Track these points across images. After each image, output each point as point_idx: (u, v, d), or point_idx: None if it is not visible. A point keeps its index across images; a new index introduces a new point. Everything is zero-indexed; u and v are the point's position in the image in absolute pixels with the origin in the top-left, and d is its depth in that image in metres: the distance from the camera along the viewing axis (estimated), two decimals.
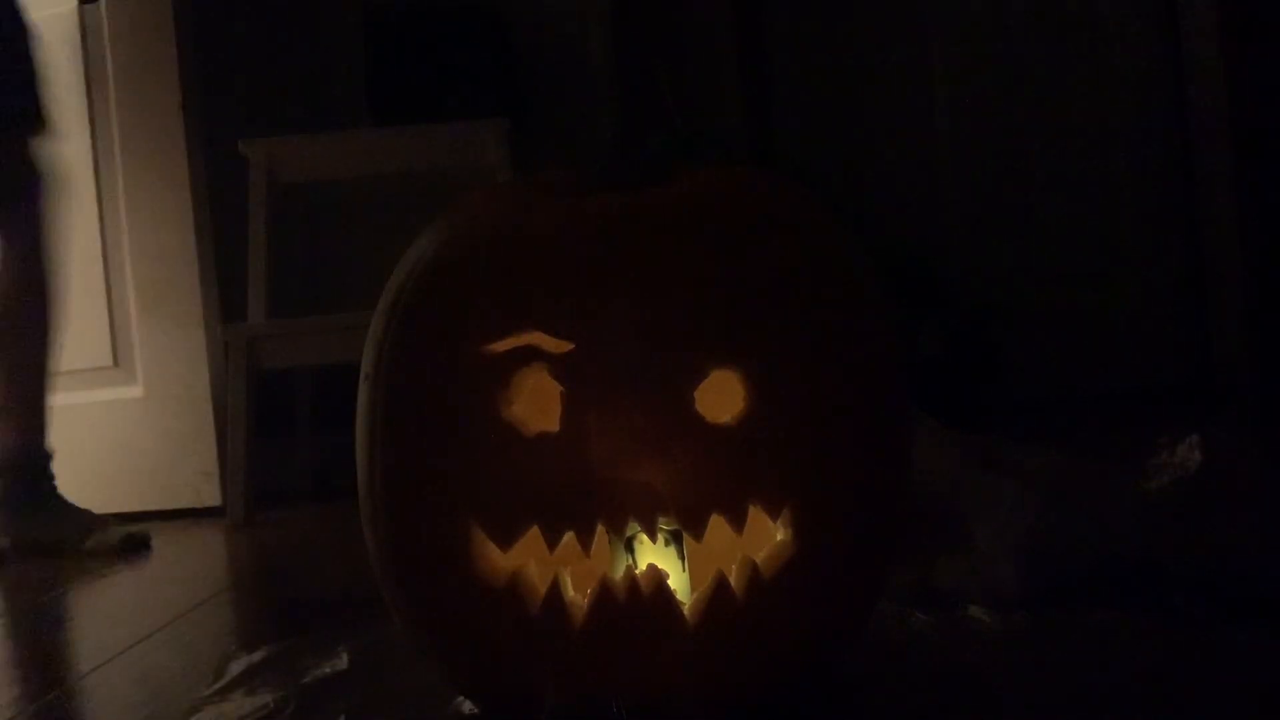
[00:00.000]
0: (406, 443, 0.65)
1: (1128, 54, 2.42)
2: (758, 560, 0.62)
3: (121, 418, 2.20)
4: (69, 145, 2.23)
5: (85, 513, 1.85)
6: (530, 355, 0.61)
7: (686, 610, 0.61)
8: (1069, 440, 1.81)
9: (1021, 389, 2.27)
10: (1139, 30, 2.43)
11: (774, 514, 0.61)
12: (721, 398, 0.61)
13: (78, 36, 2.22)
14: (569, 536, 0.60)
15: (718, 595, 0.61)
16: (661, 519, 0.60)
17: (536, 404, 0.61)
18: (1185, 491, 0.94)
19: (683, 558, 0.62)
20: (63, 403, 2.24)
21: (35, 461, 1.84)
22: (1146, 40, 2.43)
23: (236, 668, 0.88)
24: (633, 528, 0.60)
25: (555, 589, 0.61)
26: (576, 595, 0.62)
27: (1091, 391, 2.38)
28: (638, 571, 0.61)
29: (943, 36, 2.45)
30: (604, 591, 0.61)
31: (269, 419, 2.18)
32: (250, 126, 2.22)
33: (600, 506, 0.60)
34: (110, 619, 1.24)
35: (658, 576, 0.61)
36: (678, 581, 0.62)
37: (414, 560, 0.66)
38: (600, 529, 0.60)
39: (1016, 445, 0.98)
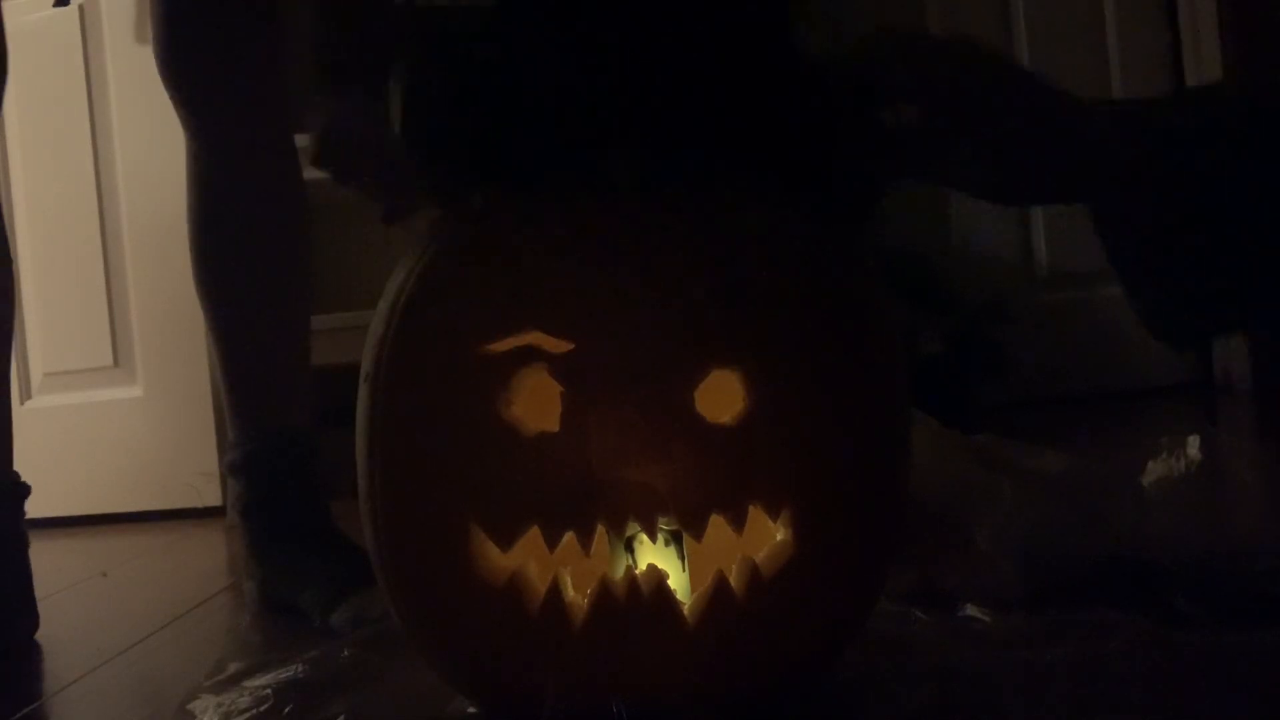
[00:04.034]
0: (406, 443, 0.65)
1: (1128, 52, 2.43)
2: (758, 560, 0.62)
3: (121, 418, 2.20)
4: (70, 146, 2.23)
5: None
6: (530, 355, 0.61)
7: (686, 610, 0.61)
8: (1069, 440, 1.81)
9: (1021, 389, 2.27)
10: (1139, 29, 2.43)
11: (774, 514, 0.61)
12: (721, 398, 0.61)
13: (78, 36, 2.22)
14: (569, 536, 0.60)
15: (718, 595, 0.61)
16: (661, 519, 0.60)
17: (536, 404, 0.61)
18: (1185, 491, 0.94)
19: (683, 558, 0.62)
20: (62, 403, 2.25)
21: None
22: (1146, 39, 2.43)
23: (235, 666, 0.87)
24: (633, 528, 0.60)
25: (555, 589, 0.61)
26: (576, 595, 0.61)
27: (1091, 391, 2.38)
28: (638, 572, 0.61)
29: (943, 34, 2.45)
30: (604, 591, 0.61)
31: None
32: None
33: (600, 506, 0.60)
34: (111, 618, 1.24)
35: (658, 576, 0.61)
36: (678, 581, 0.62)
37: (413, 560, 0.66)
38: (600, 529, 0.60)
39: (1016, 445, 0.98)
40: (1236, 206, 0.69)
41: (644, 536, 0.60)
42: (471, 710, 0.72)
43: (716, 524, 0.61)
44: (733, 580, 0.61)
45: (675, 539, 0.62)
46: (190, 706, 0.79)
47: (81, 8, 2.21)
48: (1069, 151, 0.70)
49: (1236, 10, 2.29)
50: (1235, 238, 0.69)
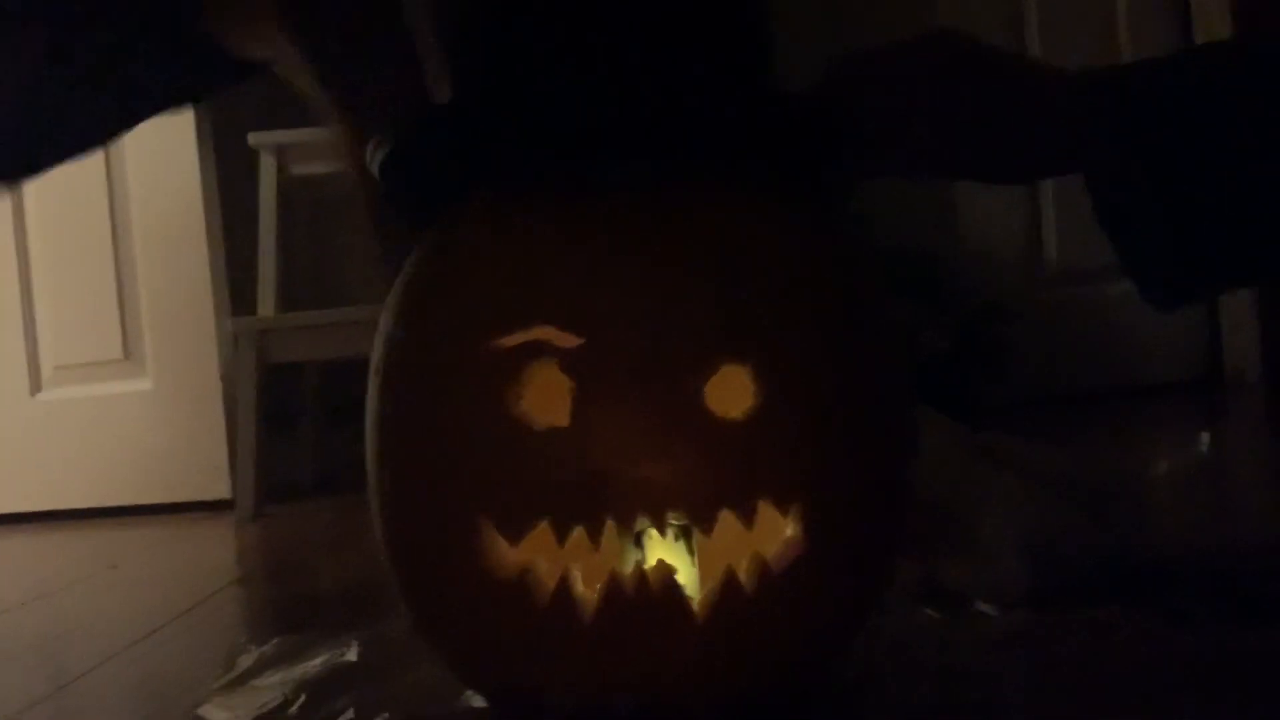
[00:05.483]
0: (415, 437, 0.65)
1: (1138, 51, 2.42)
2: (767, 556, 0.62)
3: (131, 411, 2.21)
4: None
5: None
6: (540, 350, 0.61)
7: (695, 605, 0.61)
8: (1076, 437, 1.80)
9: (1029, 385, 2.27)
10: (1150, 27, 2.42)
11: (784, 510, 0.61)
12: (731, 393, 0.61)
13: None
14: (578, 531, 0.60)
15: (727, 591, 0.61)
16: (671, 514, 0.60)
17: (546, 398, 0.61)
18: (1192, 489, 0.94)
19: (693, 553, 0.62)
20: (71, 395, 2.26)
21: None
22: (1157, 36, 2.42)
23: (245, 661, 0.88)
24: (642, 523, 0.60)
25: (564, 584, 0.61)
26: (585, 590, 0.62)
27: (1100, 387, 2.38)
28: (647, 567, 0.61)
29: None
30: (613, 586, 0.61)
31: (279, 412, 2.18)
32: (260, 119, 2.22)
33: (609, 501, 0.60)
34: (120, 612, 1.24)
35: (667, 571, 0.61)
36: (687, 576, 0.62)
37: (422, 554, 0.66)
38: (610, 524, 0.60)
39: (1023, 442, 0.98)
40: (1225, 165, 0.69)
41: (653, 531, 0.61)
42: (480, 704, 0.72)
43: (726, 519, 0.61)
44: (742, 576, 0.61)
45: (685, 534, 0.62)
46: (199, 701, 0.80)
47: None
48: (1054, 120, 0.71)
49: (1249, 4, 2.28)
50: (1223, 197, 0.69)
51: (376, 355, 0.68)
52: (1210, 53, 0.83)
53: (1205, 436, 0.96)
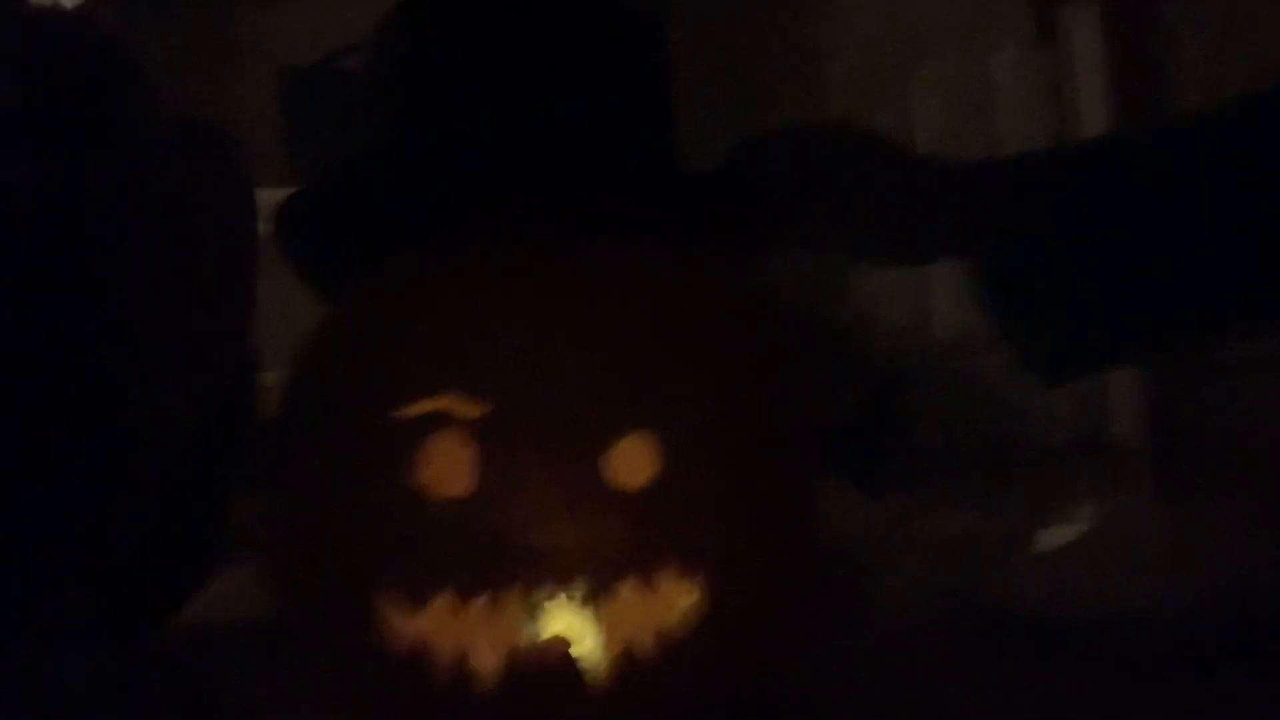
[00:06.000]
0: (311, 509, 0.64)
1: (1017, 129, 2.51)
2: (669, 623, 0.62)
3: None
4: None
5: None
6: (443, 419, 0.61)
7: (596, 675, 0.61)
8: (976, 499, 1.84)
9: (931, 449, 2.31)
10: (1030, 105, 2.52)
11: (686, 577, 0.62)
12: (633, 462, 0.61)
13: None
14: (479, 603, 0.60)
15: (628, 660, 0.61)
16: (572, 584, 0.60)
17: (448, 468, 0.61)
18: (1083, 551, 0.97)
19: (597, 620, 0.62)
20: None
21: None
22: (1038, 116, 2.52)
23: None
24: (543, 593, 0.60)
25: (462, 655, 0.61)
26: (484, 660, 0.61)
27: (1000, 451, 2.43)
28: (547, 637, 0.61)
29: (846, 106, 2.51)
30: (513, 657, 0.60)
31: None
32: None
33: (511, 572, 0.60)
34: None
35: (565, 643, 0.60)
36: (591, 644, 0.61)
37: (318, 627, 0.65)
38: (511, 594, 0.60)
39: (923, 504, 1.00)
40: (1107, 250, 0.73)
41: (559, 599, 0.60)
42: None
43: (627, 588, 0.61)
44: (643, 644, 0.61)
45: (589, 600, 0.62)
46: None
47: None
48: (944, 208, 0.74)
49: (1127, 86, 2.38)
50: (1104, 280, 0.73)
51: (277, 423, 0.67)
52: (1093, 145, 0.89)
53: (1093, 502, 1.00)
